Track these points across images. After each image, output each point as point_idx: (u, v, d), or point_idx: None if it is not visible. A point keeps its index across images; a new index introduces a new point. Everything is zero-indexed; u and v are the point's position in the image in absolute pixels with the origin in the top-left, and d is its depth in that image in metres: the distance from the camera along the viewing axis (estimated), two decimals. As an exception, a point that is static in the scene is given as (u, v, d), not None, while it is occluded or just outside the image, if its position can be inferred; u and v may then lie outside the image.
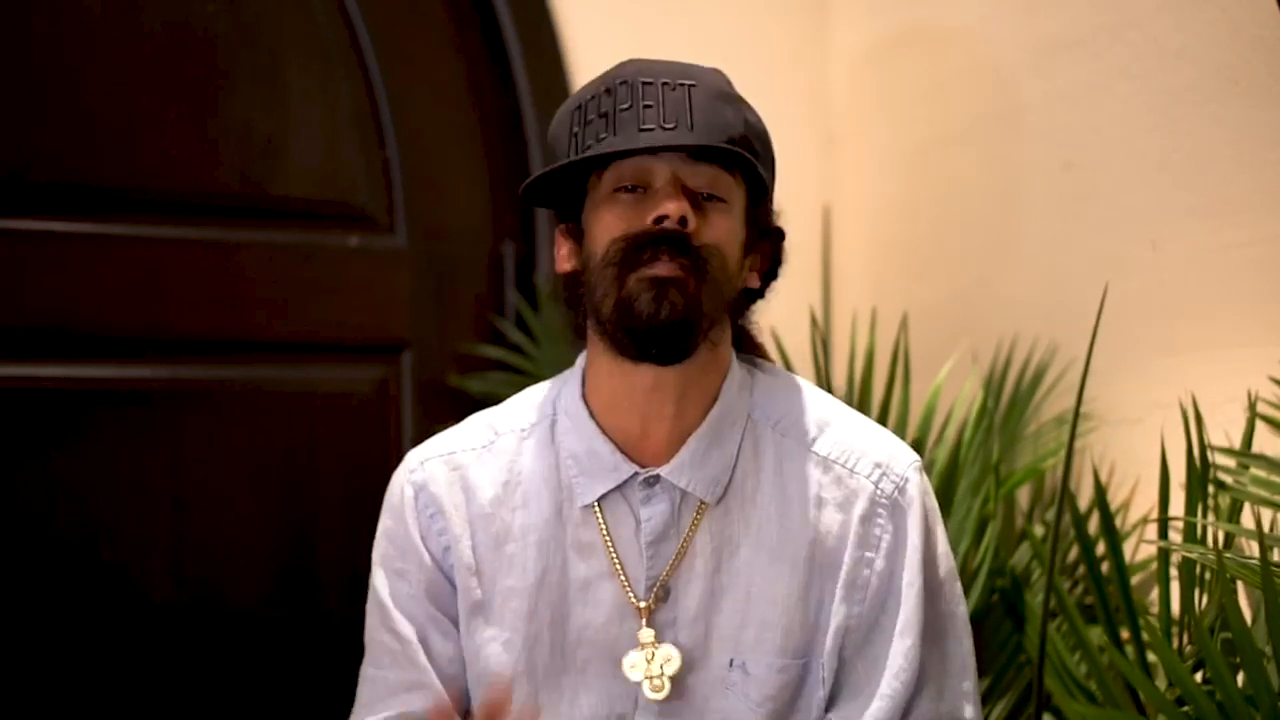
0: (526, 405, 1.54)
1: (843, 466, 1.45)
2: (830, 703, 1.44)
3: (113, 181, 2.24)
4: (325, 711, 2.33)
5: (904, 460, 1.46)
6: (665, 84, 1.38)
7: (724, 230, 1.39)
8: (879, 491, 1.44)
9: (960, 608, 1.45)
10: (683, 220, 1.36)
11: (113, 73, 2.24)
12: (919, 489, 1.45)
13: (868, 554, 1.43)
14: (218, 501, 2.29)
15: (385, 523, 1.53)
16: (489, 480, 1.49)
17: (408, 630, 1.48)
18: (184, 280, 2.28)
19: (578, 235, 1.44)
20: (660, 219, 1.36)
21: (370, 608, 1.53)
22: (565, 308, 1.47)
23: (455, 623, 1.49)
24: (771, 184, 1.48)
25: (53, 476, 2.18)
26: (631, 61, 1.42)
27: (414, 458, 1.53)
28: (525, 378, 2.34)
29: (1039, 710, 1.75)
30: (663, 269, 1.36)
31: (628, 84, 1.38)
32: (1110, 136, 2.18)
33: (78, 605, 2.18)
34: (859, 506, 1.43)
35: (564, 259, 1.46)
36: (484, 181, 2.53)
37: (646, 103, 1.37)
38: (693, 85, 1.38)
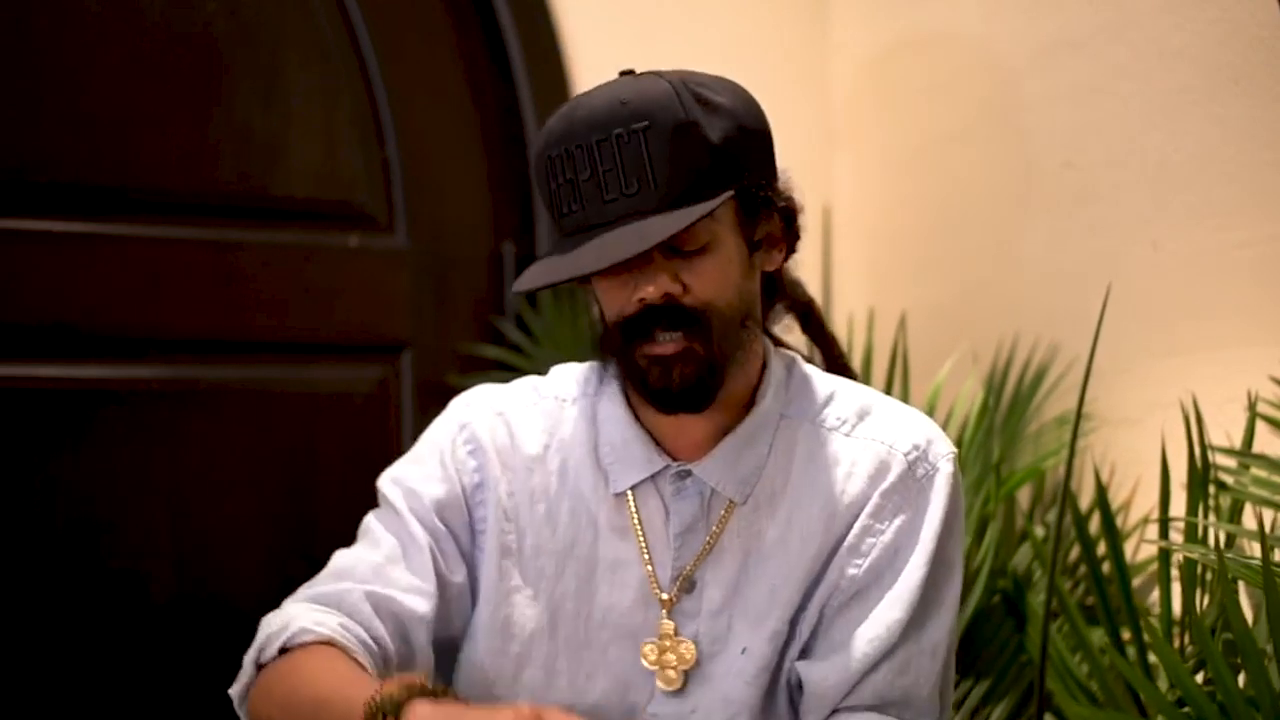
0: (570, 377, 1.55)
1: (881, 443, 1.45)
2: (801, 654, 1.45)
3: (113, 181, 2.24)
4: (325, 712, 2.33)
5: (941, 449, 1.46)
6: (619, 135, 1.34)
7: (714, 277, 1.38)
8: (910, 472, 1.44)
9: (951, 593, 1.46)
10: (668, 294, 1.36)
11: (113, 73, 2.24)
12: (949, 479, 1.45)
13: (879, 524, 1.43)
14: (218, 501, 2.29)
15: (419, 449, 1.54)
16: (531, 437, 1.50)
17: (421, 538, 1.48)
18: (184, 280, 2.28)
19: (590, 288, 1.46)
20: (643, 299, 1.37)
21: (381, 509, 1.52)
22: (596, 350, 1.47)
23: (462, 554, 1.50)
24: (768, 160, 1.45)
25: (53, 476, 2.18)
26: (580, 103, 1.38)
27: (460, 401, 1.55)
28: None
29: (1040, 711, 1.75)
30: (662, 348, 1.37)
31: (581, 145, 1.36)
32: (1110, 136, 2.18)
33: (78, 605, 2.18)
34: (887, 479, 1.44)
35: (595, 301, 1.47)
36: (484, 181, 2.53)
37: (606, 166, 1.35)
38: (646, 127, 1.34)
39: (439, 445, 1.52)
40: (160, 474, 2.25)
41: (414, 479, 1.51)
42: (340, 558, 1.53)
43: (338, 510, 2.38)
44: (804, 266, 2.60)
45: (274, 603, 2.31)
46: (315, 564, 2.34)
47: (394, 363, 2.46)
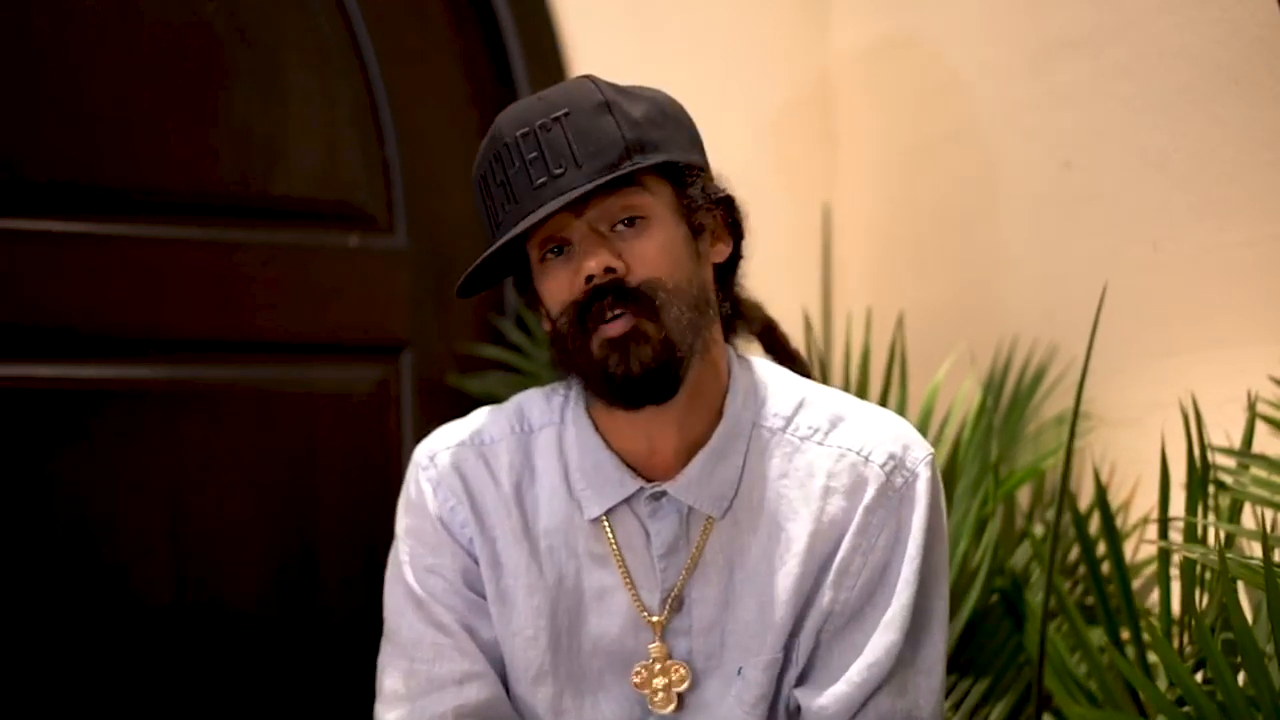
0: (533, 405, 1.53)
1: (857, 455, 1.44)
2: (799, 681, 1.44)
3: (113, 181, 2.24)
4: (325, 711, 2.34)
5: (918, 453, 1.45)
6: (541, 125, 1.37)
7: (654, 251, 1.37)
8: (889, 483, 1.43)
9: (942, 603, 1.45)
10: (609, 269, 1.35)
11: (112, 72, 2.24)
12: (928, 484, 1.44)
13: (866, 543, 1.42)
14: (218, 502, 2.29)
15: (407, 522, 1.51)
16: (502, 476, 1.49)
17: (452, 622, 1.47)
18: (184, 280, 2.28)
19: (537, 300, 1.45)
20: (589, 278, 1.36)
21: (402, 605, 1.50)
22: (553, 366, 1.46)
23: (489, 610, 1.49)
24: (696, 153, 1.44)
25: (51, 477, 2.18)
26: (504, 112, 1.41)
27: (423, 454, 1.53)
28: (524, 378, 2.34)
29: (1039, 711, 1.75)
30: (615, 328, 1.36)
31: (507, 144, 1.38)
32: (1110, 136, 2.18)
33: (77, 605, 2.18)
34: (867, 495, 1.43)
35: (544, 320, 1.46)
36: (484, 181, 2.53)
37: (530, 155, 1.36)
38: (565, 114, 1.37)
39: (427, 510, 1.50)
40: (159, 474, 2.25)
41: (425, 556, 1.49)
42: (388, 678, 1.49)
43: (337, 510, 2.39)
44: (804, 266, 2.63)
45: (273, 604, 2.33)
46: (314, 564, 2.35)
47: (394, 363, 2.45)
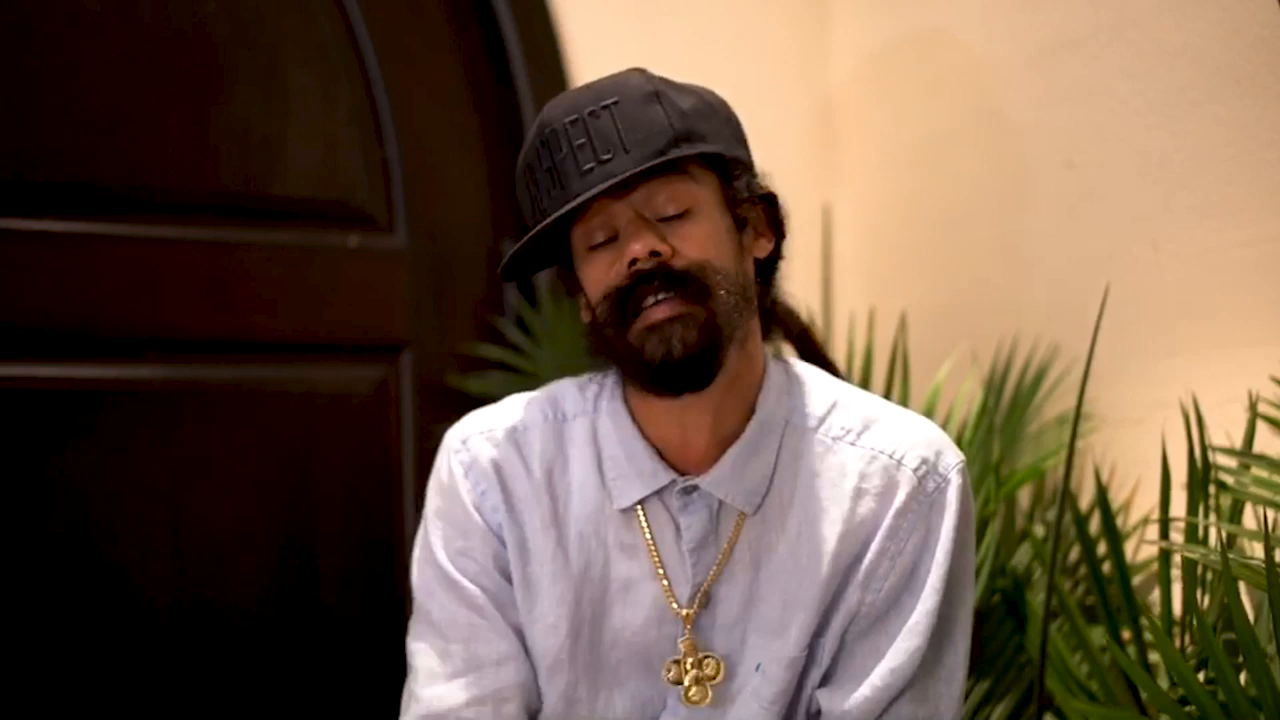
0: (567, 394, 1.53)
1: (890, 458, 1.44)
2: (821, 682, 1.44)
3: (113, 181, 2.24)
4: (325, 711, 2.33)
5: (950, 460, 1.45)
6: (590, 113, 1.37)
7: (701, 238, 1.38)
8: (921, 488, 1.43)
9: (966, 612, 1.45)
10: (655, 252, 1.36)
11: (112, 72, 2.24)
12: (959, 491, 1.44)
13: (894, 546, 1.42)
14: (217, 501, 2.29)
15: (437, 504, 1.52)
16: (533, 462, 1.50)
17: (486, 603, 1.47)
18: (184, 280, 2.27)
19: (577, 287, 1.45)
20: (632, 262, 1.36)
21: (432, 586, 1.50)
22: (589, 354, 1.46)
23: (514, 597, 1.50)
24: (741, 148, 1.46)
25: (51, 477, 2.18)
26: (553, 102, 1.42)
27: (455, 437, 1.53)
28: (525, 378, 2.34)
29: (1040, 711, 1.75)
30: (658, 312, 1.36)
31: (555, 130, 1.38)
32: (1110, 136, 2.18)
33: (76, 606, 2.18)
34: (898, 498, 1.43)
35: (584, 309, 1.46)
36: (484, 181, 2.53)
37: (578, 141, 1.36)
38: (615, 102, 1.37)
39: (459, 493, 1.50)
40: (159, 474, 2.25)
41: (456, 538, 1.49)
42: (423, 657, 1.49)
43: (337, 511, 2.38)
44: (804, 266, 2.63)
45: (273, 604, 2.33)
46: (314, 564, 2.35)
47: (394, 363, 2.45)
